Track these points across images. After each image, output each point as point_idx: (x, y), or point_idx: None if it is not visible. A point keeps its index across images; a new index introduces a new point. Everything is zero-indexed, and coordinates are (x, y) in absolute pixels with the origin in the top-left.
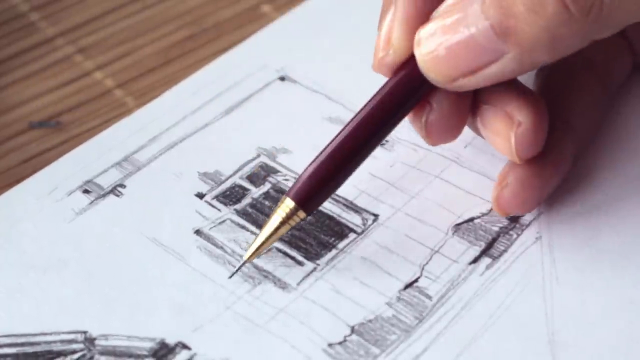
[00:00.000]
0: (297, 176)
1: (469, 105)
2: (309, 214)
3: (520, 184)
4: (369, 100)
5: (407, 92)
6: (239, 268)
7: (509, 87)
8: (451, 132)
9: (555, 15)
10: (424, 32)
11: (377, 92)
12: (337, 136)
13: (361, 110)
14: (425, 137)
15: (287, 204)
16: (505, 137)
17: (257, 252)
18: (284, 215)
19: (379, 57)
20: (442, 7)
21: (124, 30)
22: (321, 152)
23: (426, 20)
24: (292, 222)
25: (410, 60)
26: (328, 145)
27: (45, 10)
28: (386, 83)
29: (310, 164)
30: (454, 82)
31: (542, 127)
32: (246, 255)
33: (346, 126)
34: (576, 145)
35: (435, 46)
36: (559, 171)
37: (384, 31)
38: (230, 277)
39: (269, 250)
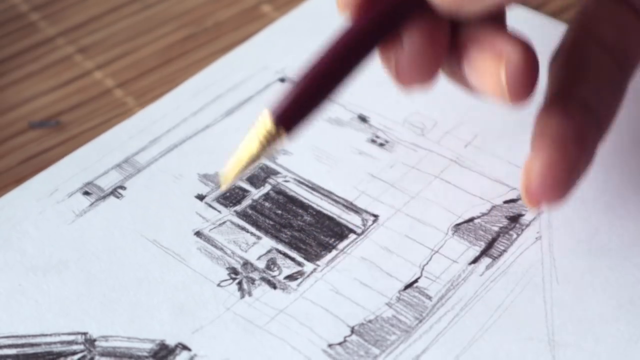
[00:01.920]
0: (296, 177)
1: (444, 44)
2: (290, 134)
3: (547, 166)
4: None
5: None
6: (219, 194)
7: (496, 25)
8: (424, 72)
9: None
10: None
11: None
12: (320, 51)
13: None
14: (395, 76)
15: (264, 122)
16: (494, 74)
17: (235, 177)
18: (261, 136)
19: None
20: None
21: (124, 30)
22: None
23: None
24: (271, 143)
25: None
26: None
27: (45, 10)
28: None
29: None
30: (459, 6)
31: (533, 64)
32: (223, 180)
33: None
34: (598, 129)
35: None
36: (584, 153)
37: None
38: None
39: (269, 251)
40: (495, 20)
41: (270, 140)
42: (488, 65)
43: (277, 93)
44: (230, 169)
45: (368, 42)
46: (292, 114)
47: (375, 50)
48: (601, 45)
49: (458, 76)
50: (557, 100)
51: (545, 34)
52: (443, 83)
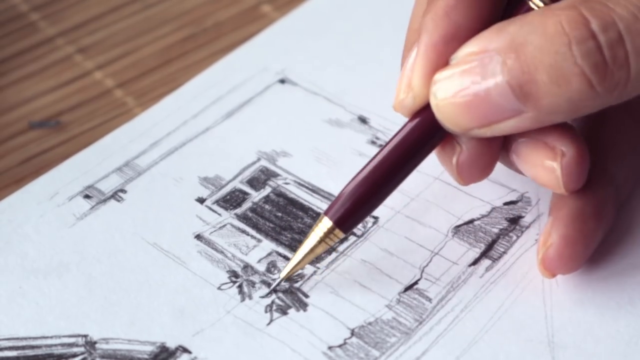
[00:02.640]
0: (297, 179)
1: (499, 143)
2: (347, 234)
3: (565, 242)
4: (395, 135)
5: (427, 132)
6: (275, 286)
7: None
8: (483, 171)
9: (579, 92)
10: (438, 78)
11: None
12: (373, 158)
13: (392, 139)
14: (457, 178)
15: (325, 224)
16: (548, 169)
17: (293, 270)
18: (321, 234)
19: (399, 98)
20: (461, 53)
21: (124, 30)
22: (357, 174)
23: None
24: (329, 242)
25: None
26: (365, 166)
27: (45, 10)
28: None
29: (347, 185)
30: (469, 132)
31: (585, 156)
32: (283, 273)
33: (380, 151)
34: (618, 195)
35: (448, 95)
36: (602, 224)
37: (406, 74)
38: (265, 296)
39: (270, 254)
40: None
41: (330, 240)
42: (540, 160)
43: (333, 199)
44: (293, 263)
45: (423, 148)
46: (351, 220)
47: (428, 154)
48: (623, 107)
49: (506, 161)
50: None
51: None
52: None
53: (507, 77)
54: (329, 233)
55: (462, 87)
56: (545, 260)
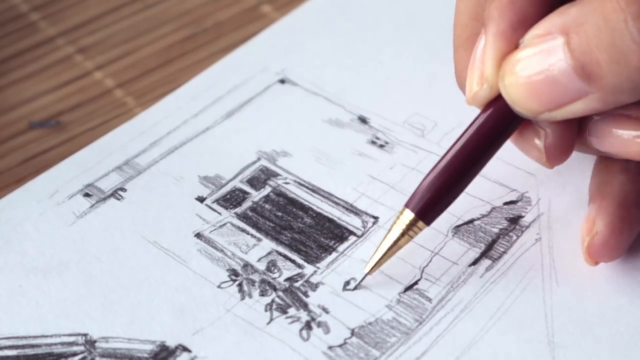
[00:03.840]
0: (297, 179)
1: (577, 121)
2: (429, 225)
3: (610, 230)
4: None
5: (504, 118)
6: (360, 281)
7: None
8: (567, 151)
9: (638, 70)
10: (506, 63)
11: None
12: (450, 149)
13: (468, 129)
14: (547, 161)
15: (407, 216)
16: (630, 139)
17: (378, 265)
18: (404, 227)
19: (473, 91)
20: (527, 37)
21: (124, 30)
22: (436, 165)
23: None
24: (412, 234)
25: None
26: (442, 157)
27: (45, 10)
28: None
29: (426, 177)
30: (541, 115)
31: None
32: (367, 267)
33: (457, 141)
34: None
35: (518, 80)
36: None
37: (477, 66)
38: (354, 289)
39: (269, 253)
40: None
41: (412, 232)
42: (622, 132)
43: (413, 185)
44: (374, 257)
45: (502, 135)
46: (433, 209)
47: (506, 140)
48: None
49: (582, 146)
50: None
51: None
52: (442, 84)
53: (570, 58)
54: (411, 225)
55: (529, 69)
56: (591, 249)
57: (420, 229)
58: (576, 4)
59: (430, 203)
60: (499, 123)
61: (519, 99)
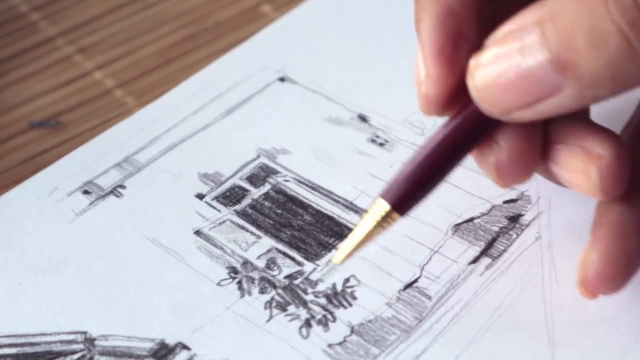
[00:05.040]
0: (297, 177)
1: (539, 143)
2: (403, 216)
3: (605, 259)
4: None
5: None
6: (328, 269)
7: (581, 123)
8: (523, 172)
9: (618, 52)
10: (476, 60)
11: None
12: (428, 142)
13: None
14: (496, 178)
15: (382, 206)
16: (585, 173)
17: (349, 255)
18: (378, 217)
19: (423, 92)
20: (499, 33)
21: (124, 30)
22: (411, 157)
23: (456, 44)
24: (386, 225)
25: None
26: (419, 150)
27: (45, 10)
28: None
29: (402, 168)
30: (509, 114)
31: (624, 159)
32: (338, 258)
33: (435, 133)
34: None
35: (489, 76)
36: None
37: (421, 67)
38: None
39: (269, 250)
40: (580, 115)
41: (386, 223)
42: (577, 165)
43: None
44: (346, 247)
45: (479, 129)
46: (408, 201)
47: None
48: None
49: (543, 171)
50: None
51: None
52: None
53: (545, 49)
54: (386, 216)
55: (501, 64)
56: (585, 280)
57: (395, 220)
58: None
59: (406, 195)
60: (478, 117)
61: (488, 96)
